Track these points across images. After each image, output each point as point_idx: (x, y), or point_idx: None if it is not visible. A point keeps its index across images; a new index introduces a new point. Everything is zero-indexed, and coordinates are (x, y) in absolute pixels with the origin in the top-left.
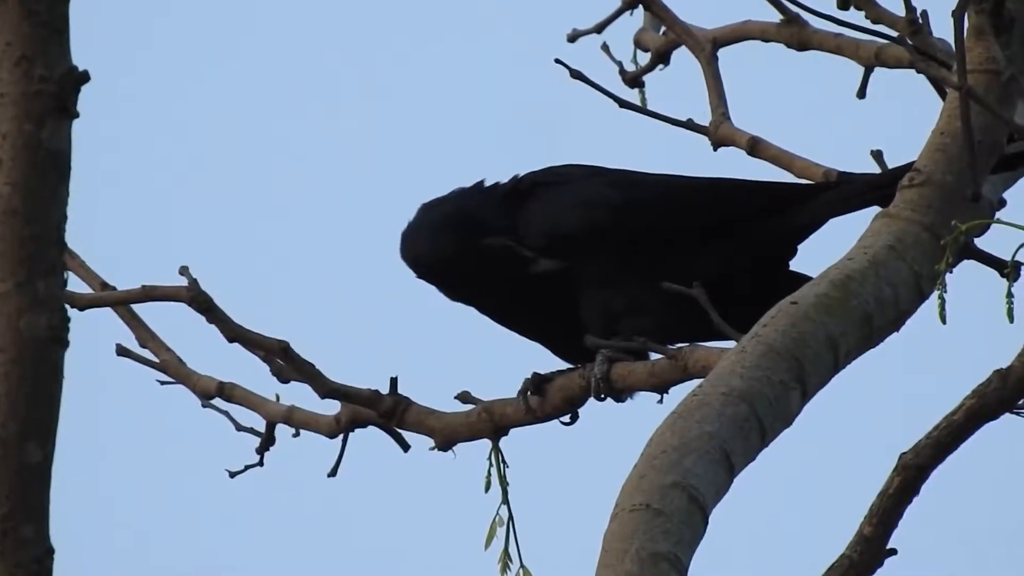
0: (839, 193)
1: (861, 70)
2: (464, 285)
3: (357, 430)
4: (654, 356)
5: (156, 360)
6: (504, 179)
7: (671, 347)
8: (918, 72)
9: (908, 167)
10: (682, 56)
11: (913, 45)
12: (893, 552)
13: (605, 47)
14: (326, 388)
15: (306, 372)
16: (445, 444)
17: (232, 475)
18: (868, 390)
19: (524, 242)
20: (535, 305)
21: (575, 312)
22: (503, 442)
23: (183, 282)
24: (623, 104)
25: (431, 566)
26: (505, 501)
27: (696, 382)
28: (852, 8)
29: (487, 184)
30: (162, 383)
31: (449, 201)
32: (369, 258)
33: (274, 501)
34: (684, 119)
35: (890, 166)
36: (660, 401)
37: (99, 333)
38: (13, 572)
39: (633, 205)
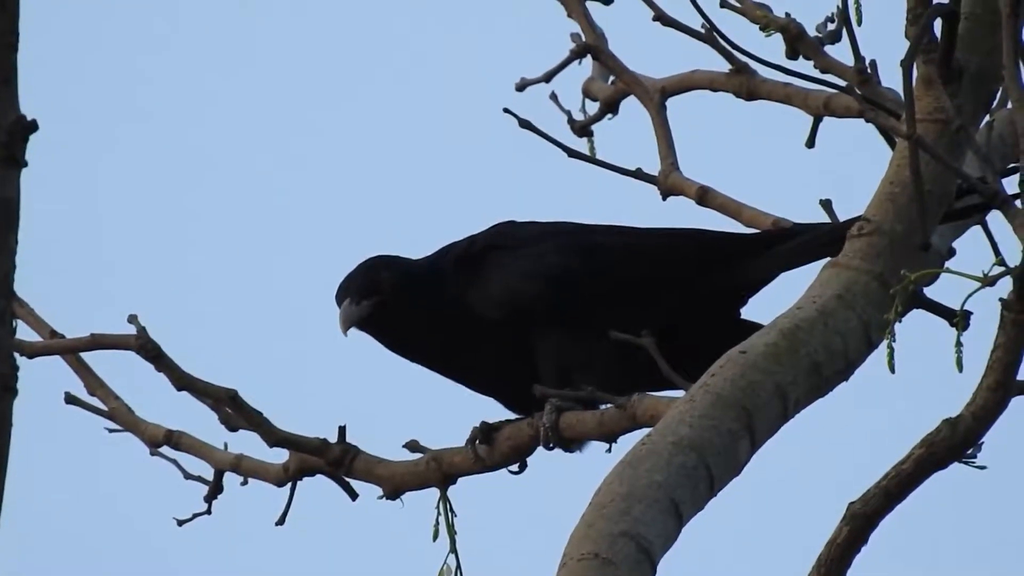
0: (792, 247)
1: (810, 119)
2: (397, 344)
3: (305, 478)
4: (603, 405)
5: (105, 408)
6: (458, 235)
7: (620, 397)
8: (867, 121)
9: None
10: (631, 105)
11: (862, 94)
12: None
13: (554, 96)
14: (274, 437)
15: (254, 421)
16: (393, 493)
17: (180, 523)
18: (817, 439)
19: (475, 310)
20: (484, 358)
21: (525, 364)
22: (451, 491)
23: (132, 330)
24: (572, 154)
25: None
26: (453, 550)
27: (645, 431)
28: (801, 58)
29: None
30: (111, 431)
31: (397, 261)
32: (317, 307)
33: (222, 549)
34: (633, 168)
35: (839, 215)
36: (609, 450)
37: (48, 381)
38: None
39: (587, 274)
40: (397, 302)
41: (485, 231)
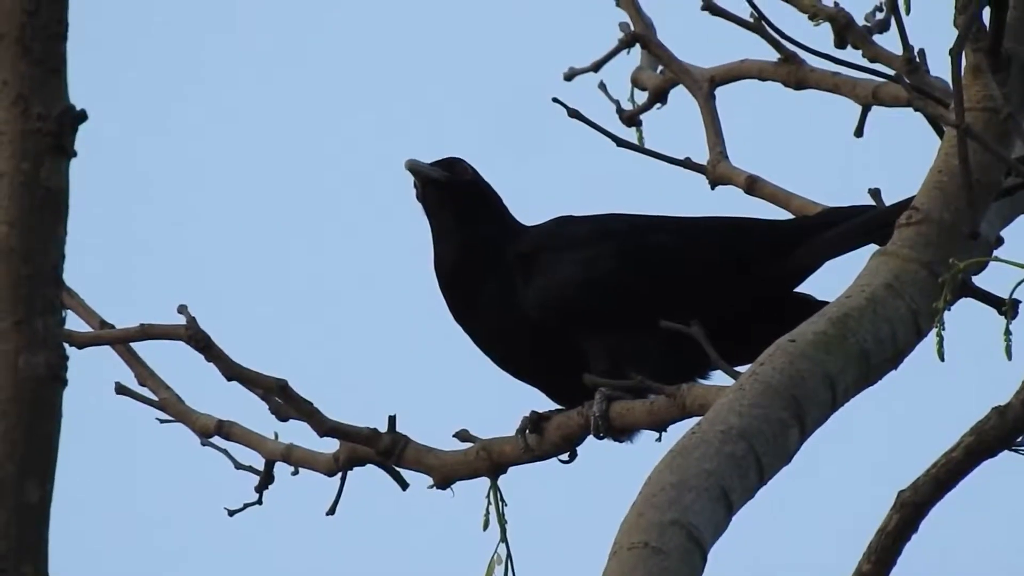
0: (838, 234)
1: (858, 108)
2: (466, 310)
3: (356, 468)
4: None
5: (155, 398)
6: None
7: (669, 385)
8: (916, 110)
9: (905, 203)
10: (679, 95)
11: (910, 83)
12: None
13: (602, 86)
14: (324, 426)
15: (304, 410)
16: (444, 482)
17: (231, 513)
18: (866, 427)
19: (527, 311)
20: (531, 348)
21: (573, 357)
22: (502, 480)
23: (181, 320)
24: (620, 143)
25: None
26: (504, 539)
27: (694, 420)
28: (849, 47)
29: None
30: (161, 421)
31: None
32: (368, 297)
33: (273, 539)
34: (682, 158)
35: (888, 204)
36: (659, 439)
37: (98, 371)
38: None
39: (640, 280)
40: (465, 194)
41: (542, 227)
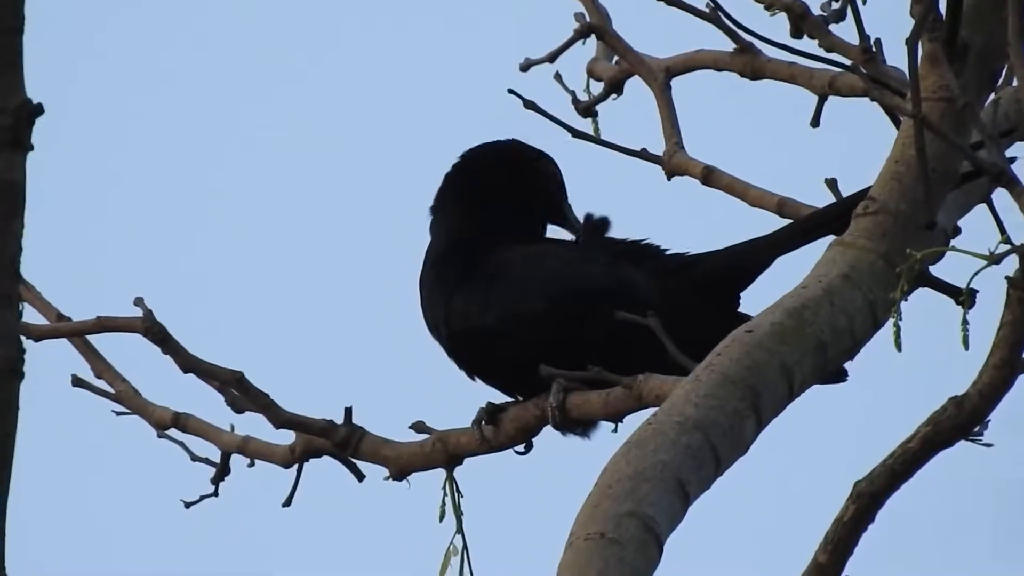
0: (791, 228)
1: (815, 99)
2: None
3: (312, 460)
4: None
5: (112, 391)
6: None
7: (626, 376)
8: (872, 100)
9: (861, 194)
10: (635, 85)
11: (867, 73)
12: None
13: (558, 76)
14: (280, 418)
15: (261, 402)
16: (400, 474)
17: (187, 505)
18: (823, 418)
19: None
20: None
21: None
22: (457, 471)
23: (138, 313)
24: (576, 134)
25: None
26: (459, 531)
27: (651, 411)
28: (805, 36)
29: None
30: (117, 414)
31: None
32: (325, 288)
33: (229, 531)
34: (638, 149)
35: (844, 194)
36: (615, 430)
37: (55, 364)
38: None
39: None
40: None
41: (536, 247)
